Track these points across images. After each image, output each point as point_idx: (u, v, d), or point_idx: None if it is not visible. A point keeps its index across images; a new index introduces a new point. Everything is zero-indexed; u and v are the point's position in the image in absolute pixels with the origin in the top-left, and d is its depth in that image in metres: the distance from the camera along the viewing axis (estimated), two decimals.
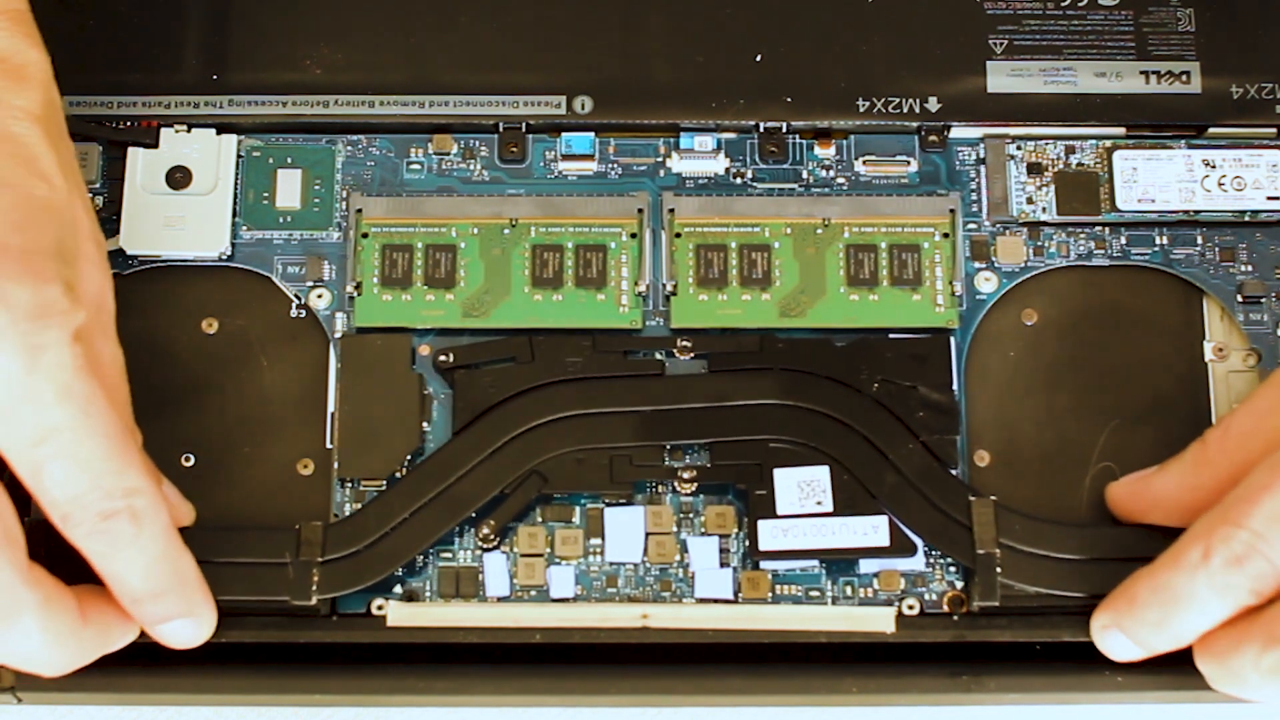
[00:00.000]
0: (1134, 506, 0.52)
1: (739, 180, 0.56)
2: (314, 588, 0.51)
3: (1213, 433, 0.51)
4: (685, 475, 0.53)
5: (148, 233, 0.55)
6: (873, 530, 0.52)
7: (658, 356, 0.54)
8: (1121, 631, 0.50)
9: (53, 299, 0.46)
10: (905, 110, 0.56)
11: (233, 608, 0.51)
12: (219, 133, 0.56)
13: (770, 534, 0.52)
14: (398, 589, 0.52)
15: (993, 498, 0.52)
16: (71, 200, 0.49)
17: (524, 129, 0.56)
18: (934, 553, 0.53)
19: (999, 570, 0.51)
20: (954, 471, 0.53)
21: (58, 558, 0.48)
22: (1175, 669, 0.51)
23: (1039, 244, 0.56)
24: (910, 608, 0.52)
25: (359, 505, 0.52)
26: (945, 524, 0.52)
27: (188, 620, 0.49)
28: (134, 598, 0.49)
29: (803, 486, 0.52)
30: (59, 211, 0.48)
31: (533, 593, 0.52)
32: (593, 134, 0.56)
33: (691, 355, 0.54)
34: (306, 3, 0.57)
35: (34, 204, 0.47)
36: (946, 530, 0.52)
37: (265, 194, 0.56)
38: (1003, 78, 0.57)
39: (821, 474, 0.52)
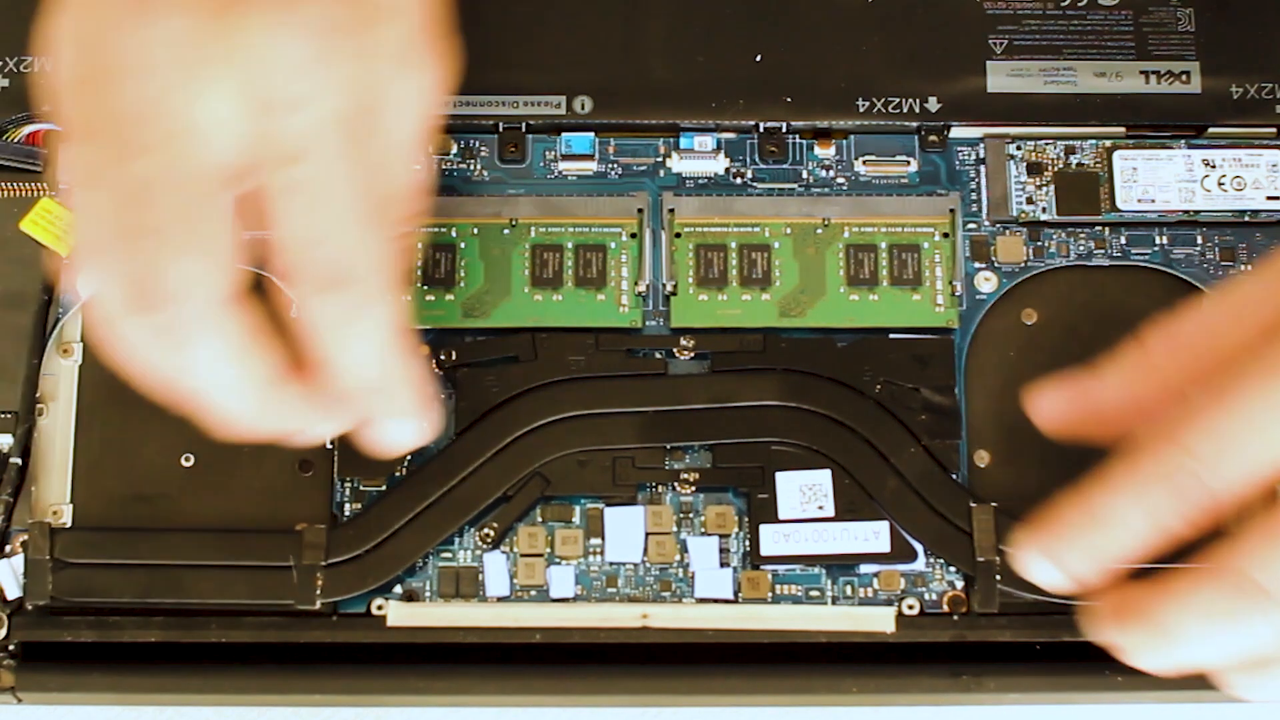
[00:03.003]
0: (1066, 419, 0.50)
1: (739, 180, 0.56)
2: (318, 591, 0.51)
3: (1157, 341, 0.50)
4: (687, 478, 0.53)
5: None
6: (874, 536, 0.52)
7: (658, 356, 0.54)
8: (1042, 551, 0.50)
9: (349, 24, 0.45)
10: (905, 110, 0.56)
11: (235, 610, 0.51)
12: None
13: (772, 539, 0.52)
14: (398, 589, 0.52)
15: (993, 504, 0.52)
16: None
17: (524, 129, 0.56)
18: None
19: (998, 578, 0.51)
20: (954, 476, 0.53)
21: None
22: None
23: (1039, 244, 0.56)
24: (910, 608, 0.52)
25: (359, 506, 0.52)
26: (945, 530, 0.52)
27: (403, 423, 0.48)
28: (352, 385, 0.46)
29: (804, 490, 0.52)
30: None
31: (533, 593, 0.52)
32: (593, 134, 0.56)
33: (692, 355, 0.54)
34: None
35: None
36: (946, 537, 0.52)
37: None
38: (1003, 78, 0.57)
39: (823, 478, 0.52)
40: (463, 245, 0.55)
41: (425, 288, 0.54)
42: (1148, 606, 0.46)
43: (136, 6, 0.45)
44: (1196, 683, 0.51)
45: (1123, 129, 0.56)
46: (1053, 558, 0.48)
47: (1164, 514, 0.47)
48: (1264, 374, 0.46)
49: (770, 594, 0.52)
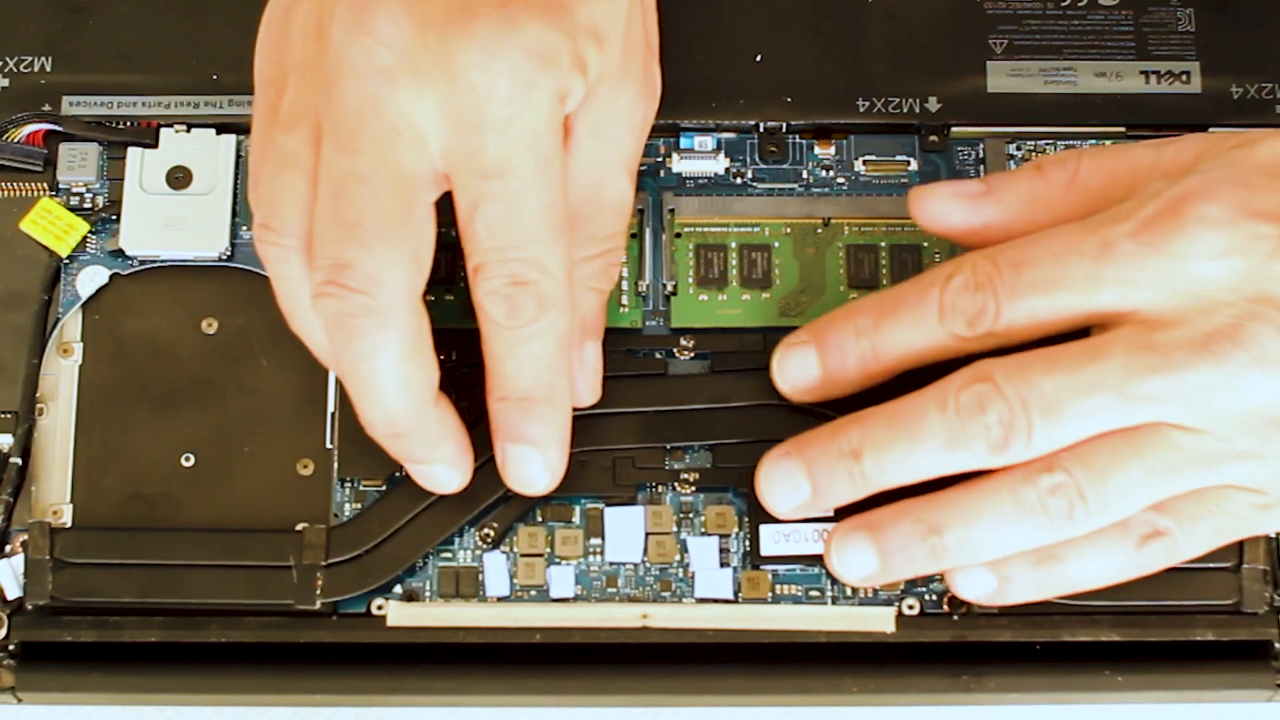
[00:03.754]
0: (949, 224, 0.52)
1: (739, 180, 0.56)
2: (318, 592, 0.51)
3: (1056, 171, 0.51)
4: (687, 477, 0.53)
5: (148, 232, 0.55)
6: None
7: (658, 356, 0.54)
8: (815, 346, 0.51)
9: (556, 50, 0.47)
10: (905, 110, 0.56)
11: (236, 610, 0.51)
12: (219, 133, 0.56)
13: (772, 539, 0.52)
14: (398, 589, 0.52)
15: None
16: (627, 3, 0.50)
17: None
18: None
19: None
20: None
21: None
22: (1175, 669, 0.51)
23: None
24: (910, 608, 0.52)
25: (359, 506, 0.52)
26: None
27: (538, 455, 0.50)
28: (503, 393, 0.49)
29: None
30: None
31: (533, 593, 0.52)
32: None
33: (692, 355, 0.54)
34: None
35: None
36: None
37: None
38: (1003, 78, 0.57)
39: None
40: None
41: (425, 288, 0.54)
42: (925, 510, 0.49)
43: (365, 7, 0.47)
44: (1197, 683, 0.51)
45: (1123, 129, 0.56)
46: (824, 349, 0.51)
47: (953, 323, 0.49)
48: (1086, 228, 0.48)
49: (770, 594, 0.52)
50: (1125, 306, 0.47)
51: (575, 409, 0.51)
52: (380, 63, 0.47)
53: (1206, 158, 0.49)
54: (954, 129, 0.56)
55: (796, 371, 0.51)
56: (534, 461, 0.50)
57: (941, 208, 0.51)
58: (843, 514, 0.50)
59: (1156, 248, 0.47)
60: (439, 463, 0.50)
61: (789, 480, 0.50)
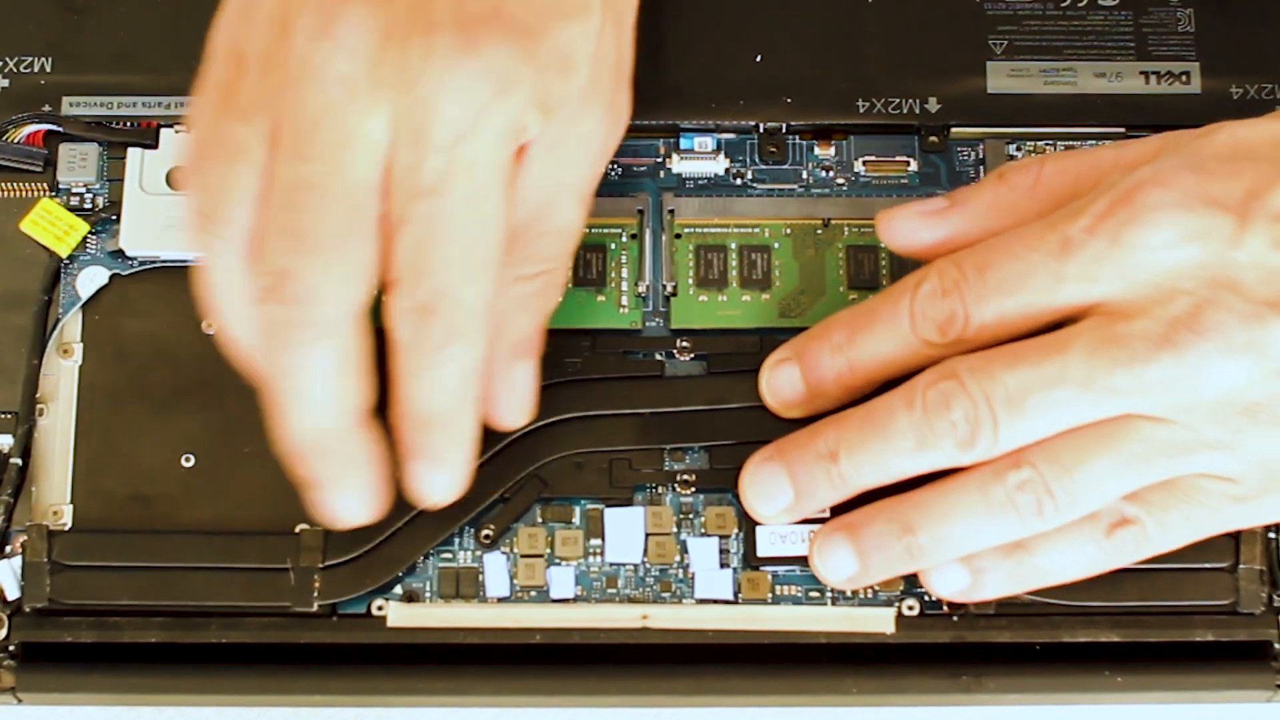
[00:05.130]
0: (917, 242, 0.52)
1: (739, 181, 0.56)
2: (315, 594, 0.51)
3: (1019, 176, 0.51)
4: (685, 479, 0.53)
5: (148, 233, 0.55)
6: None
7: (657, 357, 0.54)
8: (796, 361, 0.51)
9: (515, 80, 0.47)
10: (905, 110, 0.56)
11: (235, 611, 0.51)
12: None
13: (768, 540, 0.52)
14: (398, 589, 0.52)
15: None
16: (599, 26, 0.49)
17: None
18: None
19: None
20: None
21: None
22: (1175, 669, 0.51)
23: None
24: (910, 608, 0.52)
25: None
26: None
27: (437, 471, 0.49)
28: (403, 410, 0.48)
29: None
30: (577, 16, 0.48)
31: (533, 593, 0.52)
32: None
33: (691, 356, 0.54)
34: None
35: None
36: None
37: None
38: (1003, 78, 0.57)
39: None
40: None
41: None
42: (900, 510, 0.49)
43: (328, 8, 0.46)
44: (1197, 683, 0.51)
45: (1123, 129, 0.56)
46: (805, 362, 0.51)
47: (923, 328, 0.49)
48: (1046, 225, 0.48)
49: (770, 594, 0.52)
50: (1089, 300, 0.47)
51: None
52: (341, 70, 0.46)
53: (1167, 150, 0.49)
54: (954, 129, 0.56)
55: (782, 388, 0.51)
56: (435, 477, 0.49)
57: (907, 227, 0.51)
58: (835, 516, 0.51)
59: (1113, 240, 0.47)
60: (349, 491, 0.49)
61: (772, 484, 0.50)
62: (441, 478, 0.49)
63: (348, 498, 0.49)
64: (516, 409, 0.51)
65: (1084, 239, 0.47)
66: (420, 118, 0.46)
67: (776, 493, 0.50)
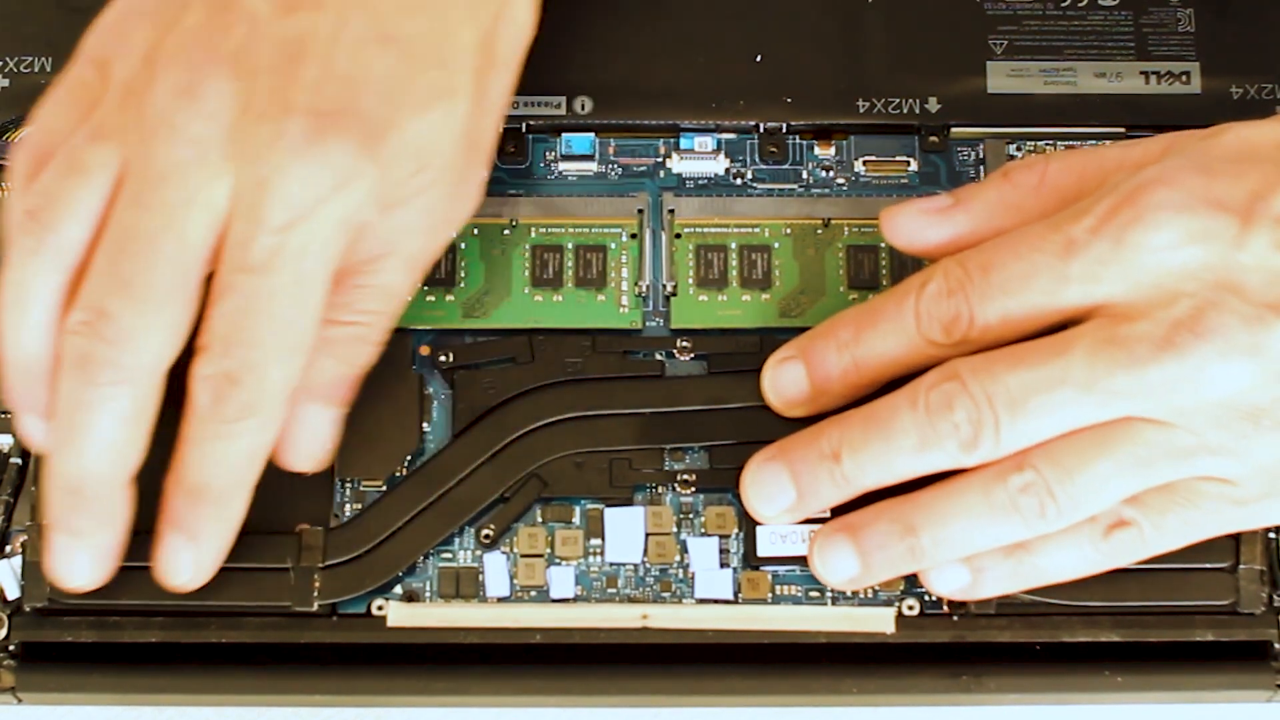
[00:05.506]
0: (922, 240, 0.52)
1: (739, 181, 0.56)
2: (315, 594, 0.51)
3: (1024, 175, 0.51)
4: (685, 478, 0.53)
5: None
6: None
7: (658, 357, 0.54)
8: (802, 361, 0.51)
9: (357, 178, 0.47)
10: (905, 110, 0.56)
11: (235, 610, 0.51)
12: None
13: (769, 540, 0.52)
14: (398, 589, 0.52)
15: None
16: (464, 112, 0.50)
17: (524, 129, 0.56)
18: None
19: None
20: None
21: None
22: (1175, 669, 0.51)
23: None
24: (910, 608, 0.52)
25: (359, 506, 0.52)
26: None
27: (191, 548, 0.49)
28: (178, 477, 0.48)
29: None
30: (436, 107, 0.49)
31: (533, 593, 0.52)
32: (593, 134, 0.56)
33: (691, 356, 0.54)
34: None
35: (417, 91, 0.48)
36: None
37: None
38: (1003, 78, 0.57)
39: None
40: (463, 245, 0.55)
41: (425, 288, 0.54)
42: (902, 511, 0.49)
43: (197, 69, 0.47)
44: (1197, 683, 0.51)
45: (1123, 129, 0.56)
46: (812, 360, 0.51)
47: (928, 328, 0.49)
48: (1051, 225, 0.48)
49: (770, 594, 0.52)
50: (1092, 301, 0.47)
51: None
52: (196, 132, 0.47)
53: (1173, 151, 0.49)
54: (954, 129, 0.56)
55: (786, 387, 0.51)
56: (184, 553, 0.49)
57: (912, 225, 0.51)
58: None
59: (1116, 240, 0.47)
60: (91, 547, 0.49)
61: (774, 484, 0.50)
62: (191, 556, 0.49)
63: (84, 555, 0.49)
64: (305, 452, 0.51)
65: (1088, 239, 0.47)
66: (260, 195, 0.47)
67: (778, 493, 0.50)
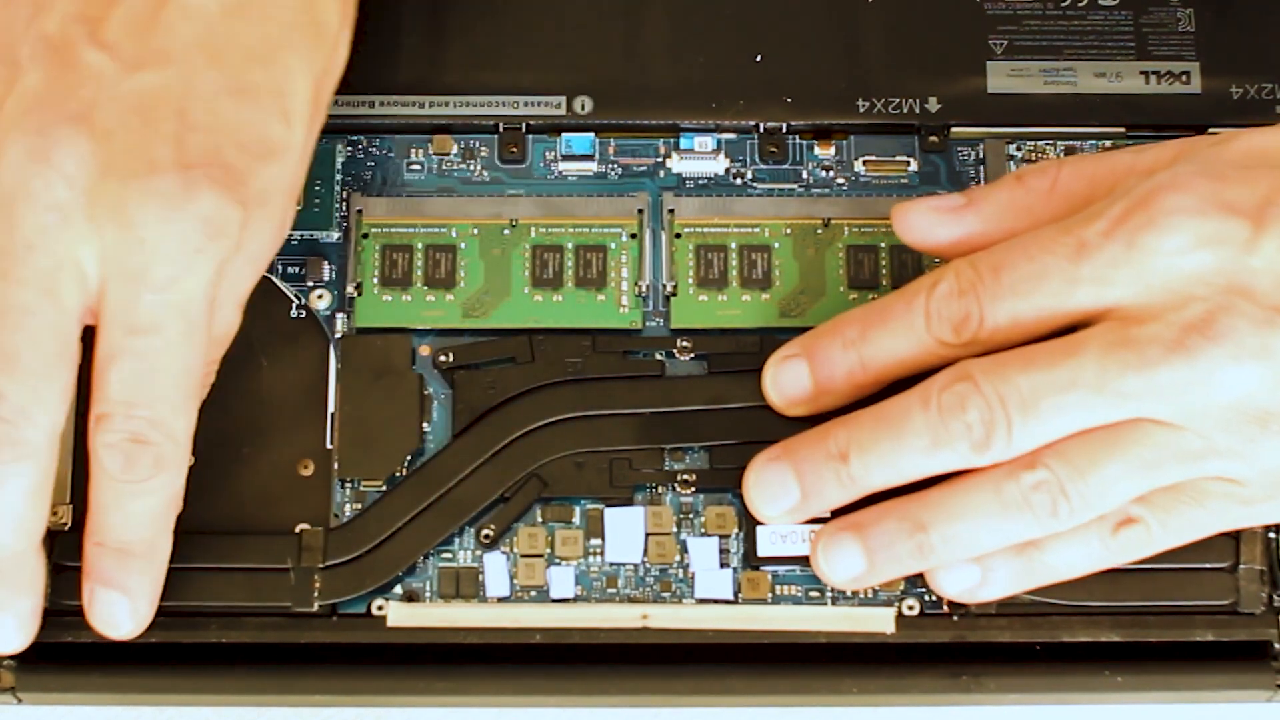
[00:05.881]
0: (933, 239, 0.52)
1: (739, 181, 0.56)
2: (315, 594, 0.51)
3: (1036, 179, 0.51)
4: (685, 478, 0.53)
5: None
6: None
7: (658, 357, 0.54)
8: (806, 359, 0.51)
9: (228, 223, 0.48)
10: (905, 110, 0.56)
11: (235, 611, 0.51)
12: None
13: (769, 540, 0.52)
14: (398, 589, 0.52)
15: None
16: (297, 159, 0.50)
17: (524, 129, 0.56)
18: None
19: None
20: None
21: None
22: (1175, 669, 0.51)
23: None
24: (910, 608, 0.52)
25: (359, 506, 0.52)
26: None
27: (126, 602, 0.49)
28: (101, 540, 0.49)
29: None
30: (280, 155, 0.49)
31: (533, 593, 0.52)
32: (593, 134, 0.56)
33: (691, 356, 0.54)
34: None
35: (267, 140, 0.49)
36: None
37: None
38: (1003, 78, 0.57)
39: None
40: (463, 245, 0.55)
41: (425, 288, 0.54)
42: (913, 510, 0.49)
43: (47, 133, 0.47)
44: (1197, 683, 0.51)
45: (1123, 129, 0.56)
46: (816, 358, 0.51)
47: (938, 328, 0.49)
48: (1062, 228, 0.48)
49: (770, 594, 0.52)
50: (1103, 304, 0.47)
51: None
52: (58, 197, 0.47)
53: (1184, 156, 0.49)
54: (954, 129, 0.56)
55: (788, 384, 0.51)
56: (120, 608, 0.49)
57: (925, 223, 0.52)
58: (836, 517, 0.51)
59: (1128, 244, 0.47)
60: (13, 614, 0.49)
61: (778, 483, 0.50)
62: (127, 608, 0.49)
63: (11, 621, 0.49)
64: None
65: (1100, 243, 0.47)
66: (136, 256, 0.47)
67: (782, 493, 0.50)
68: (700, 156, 0.56)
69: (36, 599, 0.49)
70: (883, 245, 0.55)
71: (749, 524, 0.52)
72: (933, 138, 0.56)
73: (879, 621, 0.52)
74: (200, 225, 0.47)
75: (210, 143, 0.48)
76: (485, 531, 0.52)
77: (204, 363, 0.49)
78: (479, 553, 0.52)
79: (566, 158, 0.56)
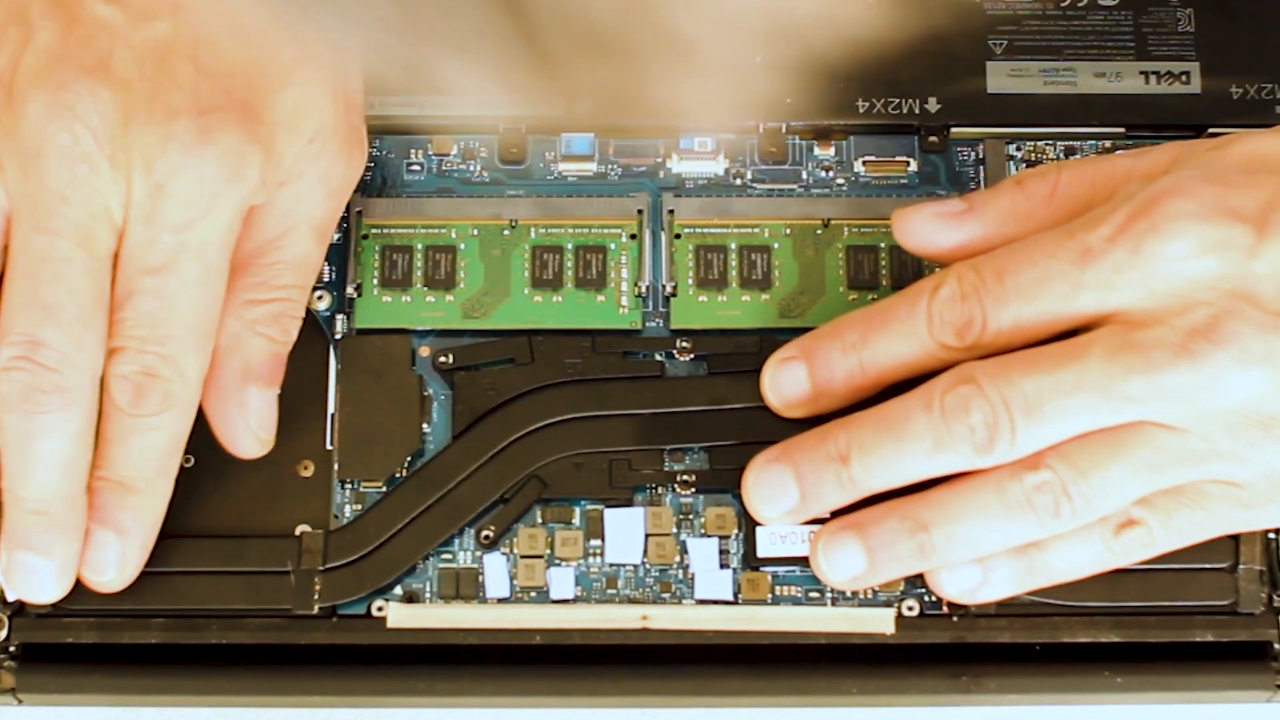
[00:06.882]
0: (933, 244, 0.52)
1: (739, 181, 0.56)
2: (316, 597, 0.51)
3: (1037, 184, 0.51)
4: (684, 479, 0.53)
5: None
6: None
7: (658, 358, 0.54)
8: (805, 361, 0.51)
9: (247, 164, 0.49)
10: (905, 111, 0.56)
11: (235, 612, 0.51)
12: None
13: (768, 540, 0.52)
14: (398, 590, 0.52)
15: None
16: (323, 72, 0.51)
17: (524, 129, 0.56)
18: None
19: None
20: None
21: None
22: (1175, 670, 0.51)
23: None
24: (910, 608, 0.52)
25: (359, 507, 0.52)
26: None
27: (117, 545, 0.50)
28: (105, 473, 0.49)
29: None
30: (296, 75, 0.50)
31: (533, 594, 0.52)
32: (593, 134, 0.56)
33: (691, 356, 0.54)
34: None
35: (279, 65, 0.50)
36: None
37: None
38: (1003, 78, 0.57)
39: None
40: (463, 246, 0.55)
41: (425, 288, 0.54)
42: (915, 510, 0.49)
43: (69, 87, 0.48)
44: (1197, 683, 0.51)
45: (1123, 129, 0.56)
46: (815, 360, 0.51)
47: (940, 331, 0.49)
48: (1065, 233, 0.48)
49: (770, 595, 0.52)
50: (1107, 308, 0.48)
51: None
52: (85, 148, 0.48)
53: (1183, 160, 0.49)
54: (954, 129, 0.56)
55: (787, 387, 0.51)
56: (110, 548, 0.50)
57: (925, 228, 0.52)
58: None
59: (1133, 249, 0.47)
60: (59, 560, 0.49)
61: (777, 485, 0.50)
62: (117, 551, 0.50)
63: (54, 569, 0.49)
64: (248, 434, 0.51)
65: (1104, 248, 0.47)
66: (155, 198, 0.48)
67: (782, 494, 0.50)
68: (700, 157, 0.56)
69: (78, 545, 0.50)
70: (882, 246, 0.55)
71: (749, 525, 0.52)
72: (932, 138, 0.56)
73: (879, 622, 0.52)
74: (217, 168, 0.48)
75: (222, 85, 0.49)
76: (485, 532, 0.52)
77: (221, 300, 0.50)
78: (479, 554, 0.52)
79: (566, 158, 0.56)
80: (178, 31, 0.49)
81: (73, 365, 0.48)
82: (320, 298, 0.55)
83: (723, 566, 0.52)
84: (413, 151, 0.56)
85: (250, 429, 0.51)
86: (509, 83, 0.38)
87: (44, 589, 0.50)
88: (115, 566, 0.50)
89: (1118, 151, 0.52)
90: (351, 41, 0.51)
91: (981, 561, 0.50)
